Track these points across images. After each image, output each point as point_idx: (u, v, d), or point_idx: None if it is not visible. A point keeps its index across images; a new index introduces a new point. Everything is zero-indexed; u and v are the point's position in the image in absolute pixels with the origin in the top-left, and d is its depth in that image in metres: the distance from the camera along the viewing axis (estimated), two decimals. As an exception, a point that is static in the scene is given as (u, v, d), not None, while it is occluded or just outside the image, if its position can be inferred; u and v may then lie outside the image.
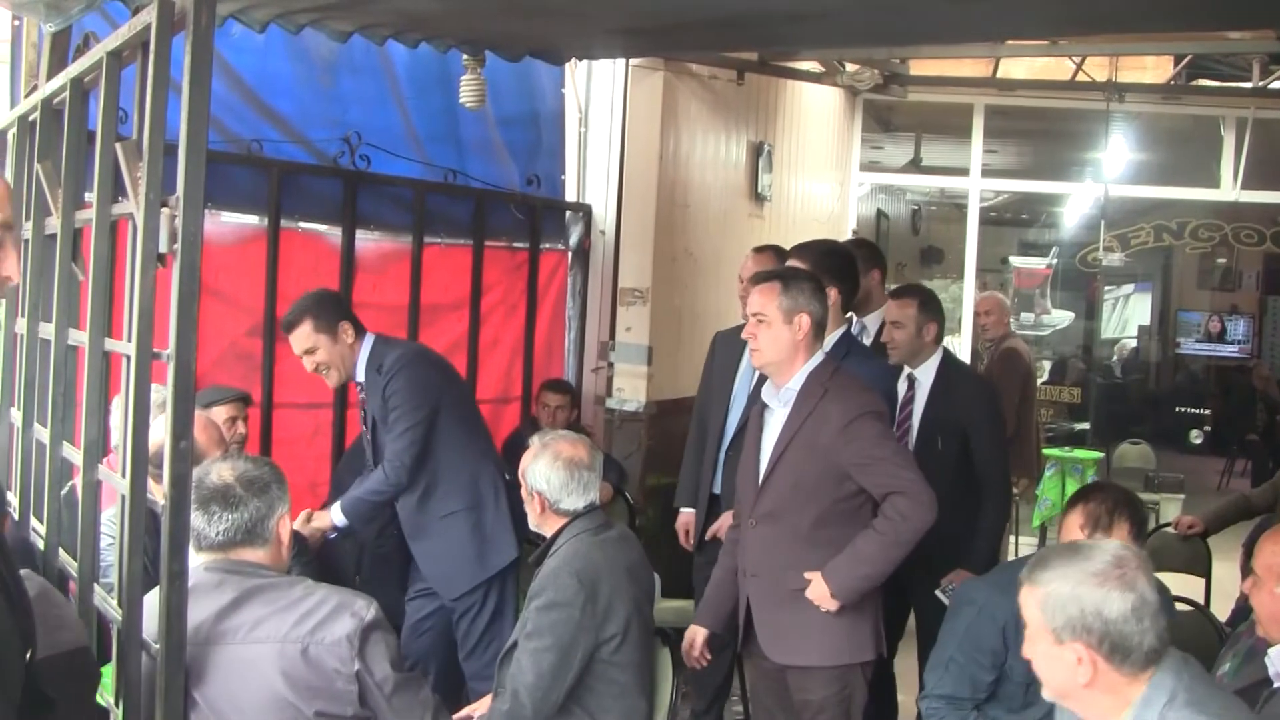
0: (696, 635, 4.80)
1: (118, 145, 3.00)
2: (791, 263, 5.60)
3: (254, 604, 3.30)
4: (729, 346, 6.17)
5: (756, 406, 4.82)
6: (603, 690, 4.25)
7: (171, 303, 2.85)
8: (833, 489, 4.47)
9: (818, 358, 4.61)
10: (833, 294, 5.37)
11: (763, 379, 4.83)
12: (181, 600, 2.91)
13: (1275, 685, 3.73)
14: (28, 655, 2.56)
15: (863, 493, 4.47)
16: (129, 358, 3.03)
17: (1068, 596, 2.82)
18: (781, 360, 4.57)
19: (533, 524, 4.51)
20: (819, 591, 4.41)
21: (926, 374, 5.89)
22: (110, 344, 3.33)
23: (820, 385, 4.53)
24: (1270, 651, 3.77)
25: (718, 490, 6.01)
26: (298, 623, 3.28)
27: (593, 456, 4.46)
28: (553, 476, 4.36)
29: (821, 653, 4.51)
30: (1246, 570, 4.16)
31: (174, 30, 2.96)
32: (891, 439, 4.62)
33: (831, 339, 5.30)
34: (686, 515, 6.28)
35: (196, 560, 3.35)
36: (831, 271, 5.49)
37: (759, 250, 6.48)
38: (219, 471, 3.40)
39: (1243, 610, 5.00)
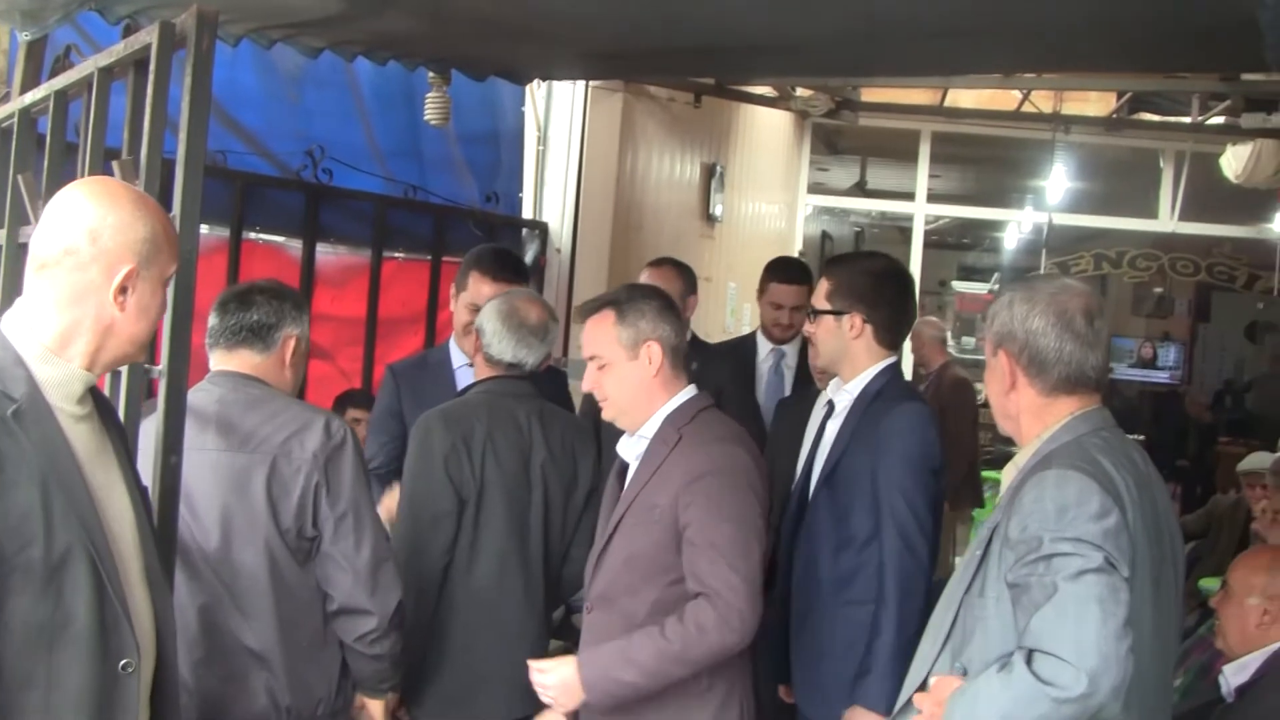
0: None
1: (115, 164, 3.04)
2: (648, 278, 5.45)
3: (233, 418, 3.58)
4: None
5: (616, 465, 3.83)
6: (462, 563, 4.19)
7: (165, 320, 2.89)
8: (672, 566, 3.49)
9: (682, 396, 3.67)
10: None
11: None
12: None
13: (1229, 701, 3.86)
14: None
15: None
16: (121, 373, 3.07)
17: None
18: (637, 406, 3.66)
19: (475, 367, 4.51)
20: (563, 678, 3.49)
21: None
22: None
23: (675, 431, 3.59)
24: (1225, 669, 3.91)
25: None
26: (276, 432, 3.57)
27: (542, 323, 4.36)
28: (492, 320, 4.34)
29: None
30: (1187, 594, 4.30)
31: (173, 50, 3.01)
32: (737, 517, 3.45)
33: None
34: None
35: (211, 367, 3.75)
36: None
37: (656, 264, 5.84)
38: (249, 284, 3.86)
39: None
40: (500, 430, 4.23)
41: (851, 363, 4.14)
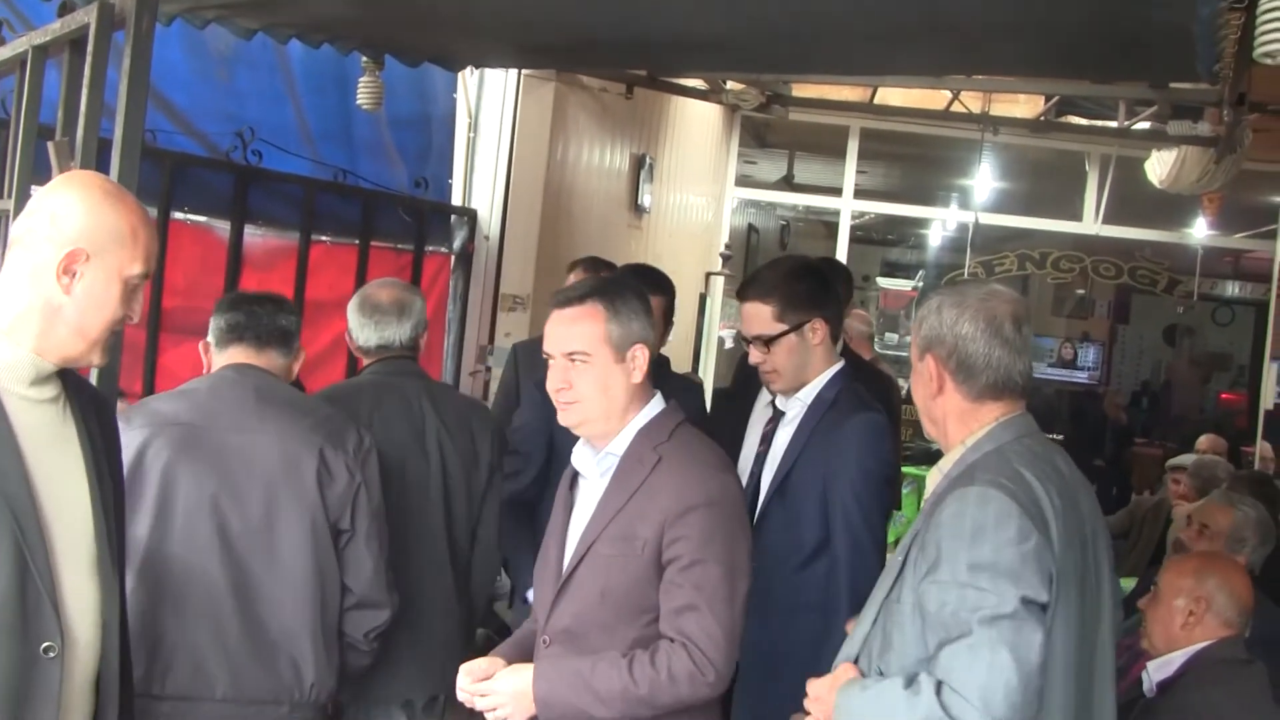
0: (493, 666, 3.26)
1: (50, 144, 3.02)
2: (578, 278, 5.22)
3: (274, 404, 3.73)
4: (532, 358, 5.02)
5: (566, 474, 3.42)
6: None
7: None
8: (654, 606, 3.14)
9: (653, 408, 3.27)
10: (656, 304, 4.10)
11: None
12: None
13: (1150, 697, 3.97)
14: None
15: None
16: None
17: None
18: (610, 416, 3.23)
19: None
20: (516, 689, 3.11)
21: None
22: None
23: (652, 450, 3.20)
24: (1149, 665, 4.02)
25: None
26: (319, 426, 3.74)
27: (395, 301, 4.40)
28: (352, 314, 4.42)
29: None
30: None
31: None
32: (727, 558, 3.10)
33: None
34: None
35: (221, 359, 3.84)
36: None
37: (591, 266, 5.61)
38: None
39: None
40: (388, 403, 4.30)
41: (812, 371, 4.10)
